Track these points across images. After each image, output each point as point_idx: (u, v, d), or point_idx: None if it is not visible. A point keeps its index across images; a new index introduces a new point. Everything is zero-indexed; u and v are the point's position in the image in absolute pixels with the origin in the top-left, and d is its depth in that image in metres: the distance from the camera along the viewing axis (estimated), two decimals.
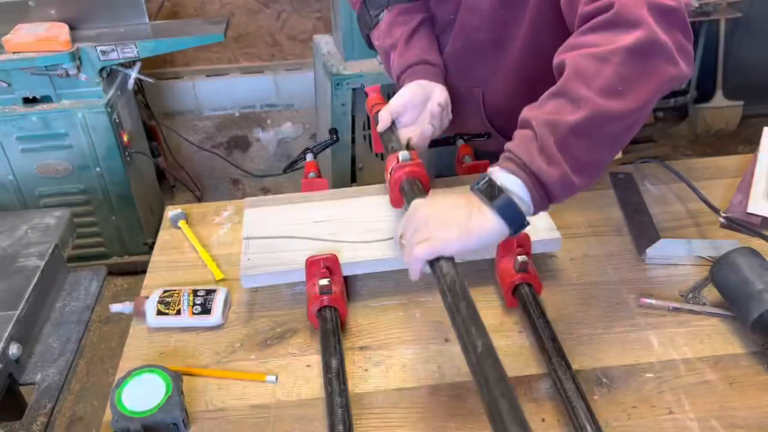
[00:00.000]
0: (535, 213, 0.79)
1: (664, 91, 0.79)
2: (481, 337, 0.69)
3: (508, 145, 0.80)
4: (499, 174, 0.78)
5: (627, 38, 0.76)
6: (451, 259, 0.78)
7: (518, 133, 0.81)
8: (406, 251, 0.81)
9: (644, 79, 0.77)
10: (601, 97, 0.76)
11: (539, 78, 1.02)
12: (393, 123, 1.11)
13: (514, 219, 0.77)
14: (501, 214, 0.76)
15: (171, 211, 1.23)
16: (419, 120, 1.11)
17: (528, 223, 0.79)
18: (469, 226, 0.77)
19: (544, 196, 0.77)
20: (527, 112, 0.81)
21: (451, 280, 0.76)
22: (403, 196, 0.96)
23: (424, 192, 0.94)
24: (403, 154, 0.98)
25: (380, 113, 1.12)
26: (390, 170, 0.98)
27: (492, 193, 0.77)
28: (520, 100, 1.15)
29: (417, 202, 0.85)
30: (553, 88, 0.80)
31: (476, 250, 0.79)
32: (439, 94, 1.12)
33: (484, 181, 0.79)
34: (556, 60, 0.84)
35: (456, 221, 0.78)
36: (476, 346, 0.68)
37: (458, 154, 1.25)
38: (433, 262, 0.78)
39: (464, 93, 1.22)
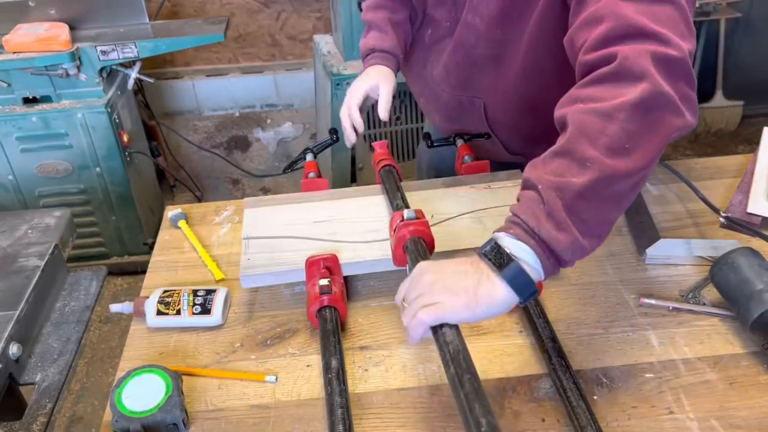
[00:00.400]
0: (545, 279, 0.75)
1: (668, 142, 0.76)
2: (486, 415, 0.65)
3: (513, 209, 0.77)
4: (506, 240, 0.74)
5: (632, 92, 0.73)
6: (455, 326, 0.74)
7: (523, 195, 0.77)
8: (407, 314, 0.76)
9: (651, 134, 0.73)
10: (608, 157, 0.72)
11: (541, 97, 1.03)
12: (394, 172, 1.17)
13: (525, 288, 0.73)
14: (511, 284, 0.72)
15: (171, 211, 1.23)
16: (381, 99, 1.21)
17: (538, 291, 0.76)
18: (478, 295, 0.73)
19: (555, 263, 0.74)
20: (531, 172, 0.77)
21: (455, 349, 0.71)
22: (407, 255, 0.91)
23: (428, 253, 0.89)
24: (408, 213, 0.95)
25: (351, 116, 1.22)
26: (394, 228, 0.95)
27: (501, 261, 0.73)
28: (522, 115, 1.17)
29: (422, 266, 0.79)
30: (556, 147, 0.76)
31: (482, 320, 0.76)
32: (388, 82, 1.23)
33: (490, 246, 0.74)
34: (557, 113, 0.79)
35: (464, 289, 0.74)
36: (480, 424, 0.64)
37: (458, 154, 1.25)
38: (436, 329, 0.74)
39: (466, 103, 1.23)
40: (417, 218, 0.94)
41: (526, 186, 0.77)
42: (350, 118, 1.21)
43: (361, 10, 1.38)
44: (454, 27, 1.15)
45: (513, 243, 0.73)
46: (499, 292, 0.73)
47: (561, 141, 0.76)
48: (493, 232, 0.77)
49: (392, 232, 0.96)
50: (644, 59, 0.74)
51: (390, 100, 1.20)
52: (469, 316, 0.74)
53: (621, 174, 0.72)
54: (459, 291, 0.74)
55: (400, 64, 1.28)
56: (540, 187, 0.74)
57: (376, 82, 1.21)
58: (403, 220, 0.94)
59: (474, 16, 1.09)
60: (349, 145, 1.24)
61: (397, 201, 1.06)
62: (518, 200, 0.78)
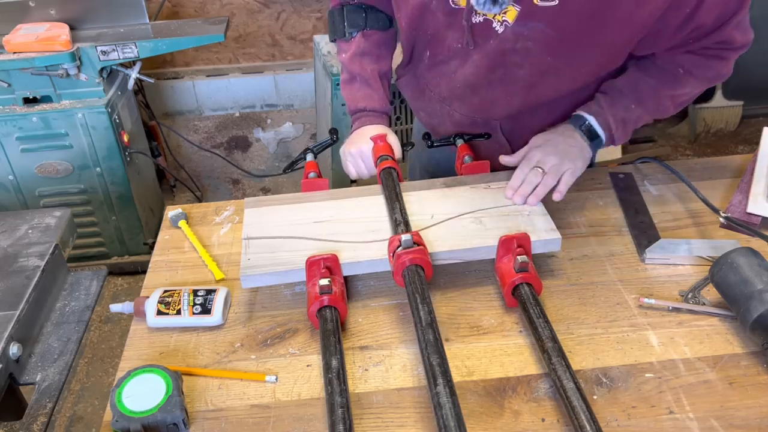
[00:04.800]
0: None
1: None
2: None
3: (605, 105, 1.11)
4: (594, 124, 1.11)
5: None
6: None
7: (617, 97, 1.11)
8: (550, 179, 1.08)
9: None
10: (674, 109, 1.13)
11: (571, 109, 1.16)
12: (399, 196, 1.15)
13: (598, 148, 1.15)
14: (594, 149, 1.14)
15: (171, 211, 1.23)
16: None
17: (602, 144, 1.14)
18: (584, 158, 1.12)
19: (610, 143, 1.13)
20: (631, 89, 1.11)
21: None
22: (404, 281, 0.96)
23: (425, 281, 0.94)
24: (405, 240, 0.97)
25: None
26: (392, 253, 0.98)
27: (591, 135, 1.11)
28: (544, 127, 1.17)
29: (536, 149, 1.12)
30: (660, 85, 1.10)
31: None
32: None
33: (585, 125, 1.11)
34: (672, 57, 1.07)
35: (576, 155, 1.11)
36: None
37: (458, 154, 1.25)
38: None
39: (480, 122, 1.22)
40: (414, 243, 0.97)
41: (622, 93, 1.10)
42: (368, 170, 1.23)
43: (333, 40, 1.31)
44: (467, 49, 1.09)
45: (597, 127, 1.11)
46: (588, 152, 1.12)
47: (662, 86, 1.09)
48: (584, 113, 1.12)
49: (390, 256, 0.98)
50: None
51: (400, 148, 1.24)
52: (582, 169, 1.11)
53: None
54: (577, 157, 1.10)
55: (391, 119, 1.29)
56: (632, 105, 1.10)
57: (369, 146, 1.23)
58: (400, 245, 0.97)
59: (525, 41, 1.02)
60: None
61: (395, 215, 1.06)
62: (606, 93, 1.12)
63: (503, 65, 1.07)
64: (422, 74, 1.26)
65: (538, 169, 1.08)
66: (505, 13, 0.99)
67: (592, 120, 1.10)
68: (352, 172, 1.27)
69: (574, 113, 1.14)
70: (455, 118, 1.24)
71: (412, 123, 2.52)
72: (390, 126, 1.28)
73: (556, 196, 1.08)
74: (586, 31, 0.97)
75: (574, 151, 1.10)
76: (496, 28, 1.02)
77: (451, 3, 1.04)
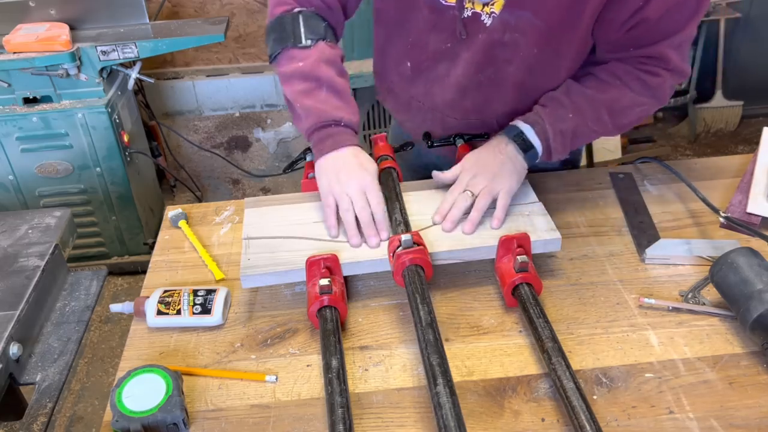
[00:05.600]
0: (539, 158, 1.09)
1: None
2: None
3: (544, 115, 1.07)
4: (530, 134, 1.08)
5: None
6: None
7: (555, 106, 1.08)
8: (480, 205, 1.03)
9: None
10: (615, 128, 1.11)
11: (540, 96, 1.14)
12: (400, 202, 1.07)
13: (534, 160, 1.09)
14: (529, 160, 1.09)
15: (171, 211, 1.23)
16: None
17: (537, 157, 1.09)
18: (519, 172, 1.08)
19: (547, 158, 1.09)
20: (566, 97, 1.09)
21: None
22: (404, 282, 0.95)
23: (425, 281, 0.94)
24: (405, 240, 0.97)
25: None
26: (392, 253, 0.98)
27: (525, 146, 1.07)
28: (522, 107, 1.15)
29: (467, 168, 1.08)
30: (596, 95, 1.08)
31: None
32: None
33: (516, 133, 1.08)
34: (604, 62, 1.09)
35: (509, 171, 1.07)
36: None
37: (458, 154, 1.25)
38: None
39: (477, 124, 1.20)
40: (414, 243, 0.96)
41: (561, 103, 1.07)
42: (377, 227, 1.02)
43: (271, 62, 1.11)
44: (457, 48, 1.07)
45: (533, 137, 1.07)
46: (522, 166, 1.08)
47: (601, 96, 1.07)
48: (520, 123, 1.08)
49: (390, 256, 0.98)
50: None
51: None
52: (518, 185, 1.07)
53: (612, 136, 1.19)
54: (510, 174, 1.06)
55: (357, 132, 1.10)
56: (570, 115, 1.07)
57: (373, 177, 1.04)
58: (400, 245, 0.96)
59: (513, 33, 1.02)
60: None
61: (395, 215, 1.05)
62: (545, 105, 1.08)
63: (493, 62, 1.08)
64: (404, 88, 1.22)
65: (468, 192, 1.04)
66: (493, 4, 1.00)
67: (527, 129, 1.07)
68: (351, 228, 1.00)
69: (510, 123, 1.11)
70: (449, 123, 1.21)
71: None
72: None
73: (495, 224, 1.03)
74: (567, 20, 0.99)
75: (506, 168, 1.06)
76: (485, 21, 1.03)
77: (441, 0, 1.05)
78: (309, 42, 1.06)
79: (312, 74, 1.05)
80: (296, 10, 1.09)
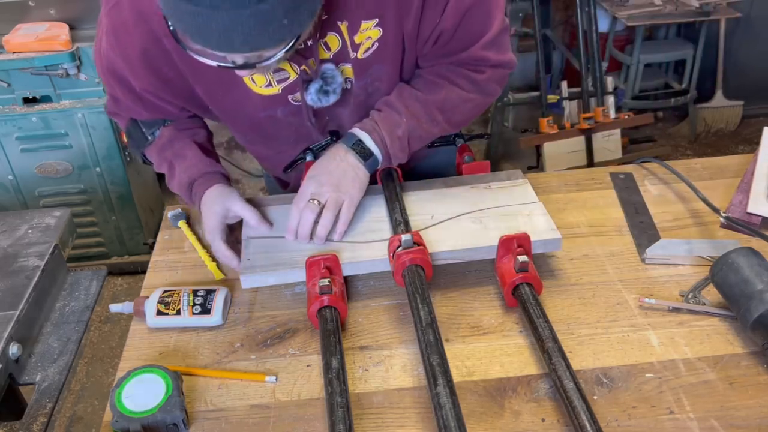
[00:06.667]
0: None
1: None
2: None
3: (379, 121, 1.07)
4: (369, 141, 1.07)
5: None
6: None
7: (389, 111, 1.07)
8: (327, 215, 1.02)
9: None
10: (450, 125, 1.12)
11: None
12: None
13: (374, 167, 1.09)
14: (370, 168, 1.08)
15: (171, 211, 1.23)
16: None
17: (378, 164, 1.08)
18: (361, 181, 1.07)
19: (387, 163, 1.09)
20: (399, 101, 1.08)
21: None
22: (404, 281, 0.96)
23: (425, 281, 0.94)
24: (405, 240, 0.97)
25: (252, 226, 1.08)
26: (392, 253, 0.98)
27: (365, 154, 1.06)
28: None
29: (312, 181, 1.06)
30: (429, 98, 1.08)
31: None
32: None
33: (355, 142, 1.06)
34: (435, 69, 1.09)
35: (351, 180, 1.06)
36: None
37: (458, 153, 1.25)
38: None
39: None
40: (414, 243, 0.97)
41: (395, 108, 1.07)
42: (225, 257, 1.06)
43: (144, 160, 1.19)
44: (299, 107, 1.08)
45: (372, 144, 1.07)
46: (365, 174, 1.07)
47: (431, 96, 1.08)
48: (357, 130, 1.07)
49: (391, 256, 0.98)
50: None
51: (255, 214, 1.08)
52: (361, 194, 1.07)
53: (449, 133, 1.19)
54: (353, 183, 1.05)
55: (230, 179, 1.15)
56: (404, 119, 1.07)
57: (224, 208, 1.07)
58: (400, 245, 0.96)
59: (374, 82, 1.08)
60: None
61: (395, 215, 1.06)
62: (380, 110, 1.08)
63: (366, 108, 1.11)
64: (276, 156, 1.24)
65: (314, 201, 1.02)
66: (343, 71, 1.04)
67: (365, 137, 1.06)
68: (230, 263, 1.07)
69: (348, 131, 1.09)
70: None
71: None
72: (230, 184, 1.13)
73: (336, 237, 1.03)
74: (411, 48, 1.04)
75: (348, 177, 1.05)
76: (348, 87, 1.07)
77: (291, 101, 1.07)
78: (152, 137, 1.15)
79: (164, 162, 1.14)
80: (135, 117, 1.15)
